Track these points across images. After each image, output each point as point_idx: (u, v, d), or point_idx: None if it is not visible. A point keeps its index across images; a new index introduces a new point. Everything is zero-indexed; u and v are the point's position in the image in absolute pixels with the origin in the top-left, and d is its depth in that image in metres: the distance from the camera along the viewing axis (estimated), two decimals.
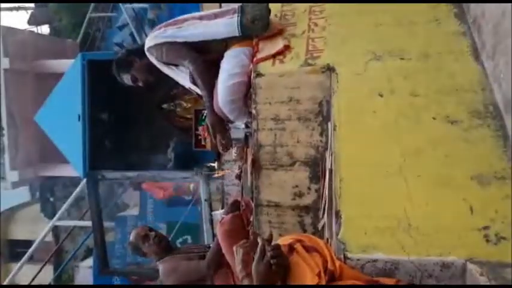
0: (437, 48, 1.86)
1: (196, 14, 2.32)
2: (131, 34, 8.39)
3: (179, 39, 2.24)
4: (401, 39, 1.93)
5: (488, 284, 1.25)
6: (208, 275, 2.53)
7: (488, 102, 1.67)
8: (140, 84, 2.48)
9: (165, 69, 2.36)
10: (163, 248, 2.72)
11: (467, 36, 1.89)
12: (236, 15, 2.16)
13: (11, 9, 11.26)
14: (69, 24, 10.78)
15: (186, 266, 2.59)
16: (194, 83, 2.28)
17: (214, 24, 2.20)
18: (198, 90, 2.30)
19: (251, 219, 2.34)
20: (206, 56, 2.25)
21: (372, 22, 2.06)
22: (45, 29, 11.51)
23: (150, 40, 2.32)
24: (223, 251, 2.35)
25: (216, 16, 2.23)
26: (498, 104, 1.65)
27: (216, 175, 3.39)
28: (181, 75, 2.33)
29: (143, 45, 2.37)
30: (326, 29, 2.12)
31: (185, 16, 2.32)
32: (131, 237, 2.78)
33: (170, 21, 2.35)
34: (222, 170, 3.08)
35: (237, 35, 2.16)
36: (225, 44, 2.22)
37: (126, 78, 2.47)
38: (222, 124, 2.29)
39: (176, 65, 2.32)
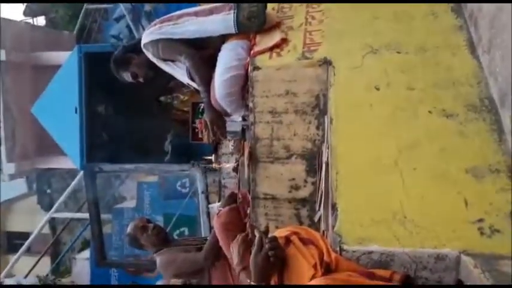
0: (434, 42, 1.87)
1: (192, 9, 2.30)
2: (128, 26, 8.33)
3: (175, 35, 2.23)
4: (398, 33, 1.94)
5: (482, 276, 1.26)
6: (205, 267, 2.55)
7: (484, 96, 1.68)
8: (141, 80, 2.49)
9: (162, 65, 2.36)
10: (161, 239, 2.73)
11: (464, 30, 1.90)
12: (232, 11, 2.14)
13: None
14: (66, 16, 10.71)
15: (183, 258, 2.60)
16: (192, 78, 2.28)
17: (210, 21, 2.19)
18: (196, 86, 2.30)
19: (248, 211, 2.35)
20: (203, 51, 2.25)
21: (369, 16, 2.06)
22: (41, 21, 11.45)
23: (145, 37, 2.32)
24: (221, 243, 2.37)
25: (211, 12, 2.21)
26: (494, 97, 1.66)
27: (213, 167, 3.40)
28: (179, 71, 2.33)
29: (140, 41, 2.37)
30: (323, 22, 2.12)
31: (180, 12, 2.30)
32: (129, 229, 2.79)
33: (165, 17, 2.34)
34: (219, 162, 3.09)
35: (233, 32, 2.16)
36: (222, 38, 2.22)
37: (126, 76, 2.47)
38: (220, 119, 2.30)
39: (173, 61, 2.32)
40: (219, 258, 2.52)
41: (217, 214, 2.45)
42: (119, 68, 2.47)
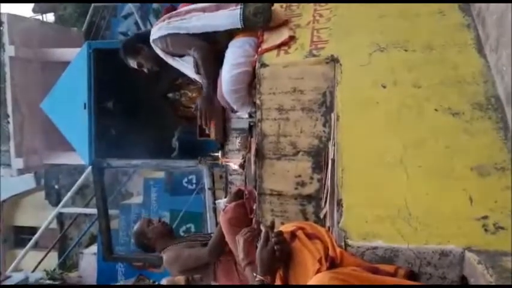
0: (441, 40, 1.87)
1: (199, 5, 2.33)
2: (136, 23, 8.39)
3: (182, 30, 2.27)
4: (405, 31, 1.94)
5: (486, 272, 1.27)
6: (210, 262, 2.56)
7: (490, 94, 1.68)
8: (145, 70, 2.53)
9: (170, 60, 2.40)
10: (167, 230, 2.75)
11: (471, 29, 1.90)
12: (239, 7, 2.17)
13: None
14: (74, 13, 10.76)
15: (188, 254, 2.61)
16: (198, 72, 2.31)
17: (217, 16, 2.22)
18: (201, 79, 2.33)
19: (254, 208, 2.37)
20: (211, 46, 2.28)
21: (376, 13, 2.07)
22: (50, 17, 11.52)
23: (154, 32, 2.35)
24: (226, 238, 2.38)
25: (218, 8, 2.24)
26: (500, 96, 1.66)
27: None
28: (186, 66, 2.36)
29: (150, 33, 2.41)
30: (331, 20, 2.13)
31: (188, 8, 2.34)
32: (136, 227, 2.80)
33: (173, 12, 2.37)
34: (226, 159, 3.11)
35: (239, 27, 2.18)
36: (230, 34, 2.24)
37: (132, 63, 2.53)
38: (213, 110, 2.36)
39: (181, 56, 2.35)
40: (224, 254, 2.54)
41: (224, 210, 2.47)
42: (127, 55, 2.52)
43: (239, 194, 2.52)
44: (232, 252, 2.44)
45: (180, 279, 2.20)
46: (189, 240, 2.82)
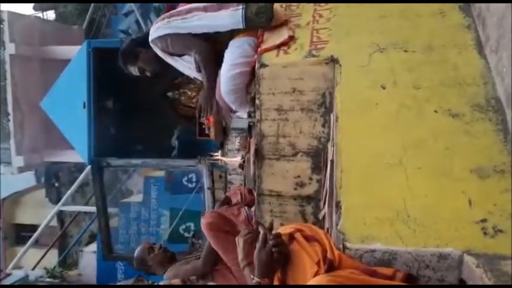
0: (441, 41, 1.86)
1: (201, 4, 2.32)
2: (136, 21, 8.37)
3: (183, 30, 2.25)
4: (405, 32, 1.94)
5: (484, 276, 1.27)
6: (207, 272, 2.53)
7: (490, 96, 1.68)
8: (148, 74, 2.51)
9: (169, 60, 2.39)
10: (168, 257, 2.70)
11: (471, 30, 1.89)
12: (241, 7, 2.16)
13: None
14: (75, 11, 10.76)
15: (185, 270, 2.59)
16: (200, 71, 2.31)
17: (219, 16, 2.21)
18: (201, 78, 2.33)
19: (245, 211, 2.40)
20: (211, 46, 2.27)
21: (376, 14, 2.06)
22: (50, 15, 11.50)
23: (153, 31, 2.33)
24: (212, 244, 2.37)
25: (220, 7, 2.23)
26: (500, 98, 1.65)
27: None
28: (185, 65, 2.35)
29: (147, 35, 2.39)
30: (331, 20, 2.12)
31: (189, 7, 2.32)
32: (136, 253, 2.77)
33: (174, 11, 2.36)
34: (225, 159, 3.11)
35: (241, 27, 2.17)
36: (230, 34, 2.23)
37: (133, 70, 2.50)
38: (211, 100, 2.38)
39: (180, 55, 2.34)
40: (219, 263, 2.49)
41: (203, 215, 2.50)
42: (127, 62, 2.50)
43: (226, 202, 2.54)
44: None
45: (176, 281, 2.20)
46: (186, 258, 2.80)
